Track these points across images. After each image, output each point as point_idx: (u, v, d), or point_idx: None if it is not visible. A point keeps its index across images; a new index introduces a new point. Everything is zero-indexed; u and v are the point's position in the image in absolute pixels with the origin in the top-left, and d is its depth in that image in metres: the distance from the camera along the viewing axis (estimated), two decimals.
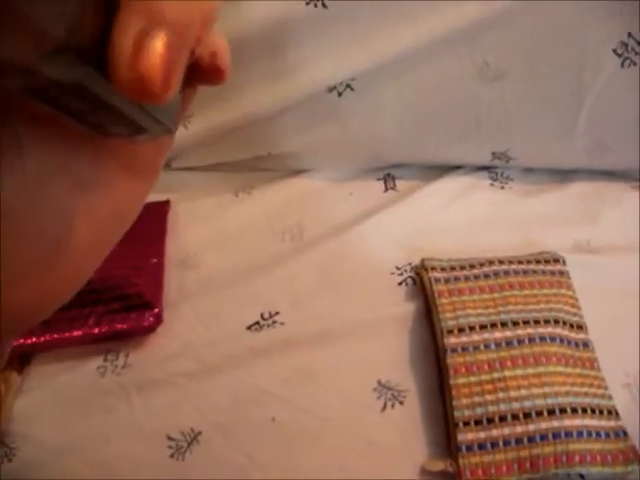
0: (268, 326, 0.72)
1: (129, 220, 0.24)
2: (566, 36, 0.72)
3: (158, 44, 0.16)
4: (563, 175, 0.87)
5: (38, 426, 0.65)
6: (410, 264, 0.77)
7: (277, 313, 0.73)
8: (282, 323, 0.72)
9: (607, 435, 0.62)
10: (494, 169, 0.87)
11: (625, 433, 0.63)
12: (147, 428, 0.65)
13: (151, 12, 0.16)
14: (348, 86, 0.77)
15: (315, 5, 0.72)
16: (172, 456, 0.63)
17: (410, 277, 0.76)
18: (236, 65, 0.82)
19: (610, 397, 0.65)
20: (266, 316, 0.73)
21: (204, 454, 0.63)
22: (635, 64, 0.72)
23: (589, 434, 0.61)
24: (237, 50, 0.74)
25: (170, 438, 0.64)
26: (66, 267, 0.22)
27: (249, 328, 0.72)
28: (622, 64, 0.73)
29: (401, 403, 0.67)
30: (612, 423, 0.63)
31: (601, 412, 0.63)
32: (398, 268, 0.76)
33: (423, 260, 0.74)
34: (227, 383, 0.68)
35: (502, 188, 0.85)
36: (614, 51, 0.72)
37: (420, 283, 0.74)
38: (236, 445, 0.63)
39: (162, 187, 0.81)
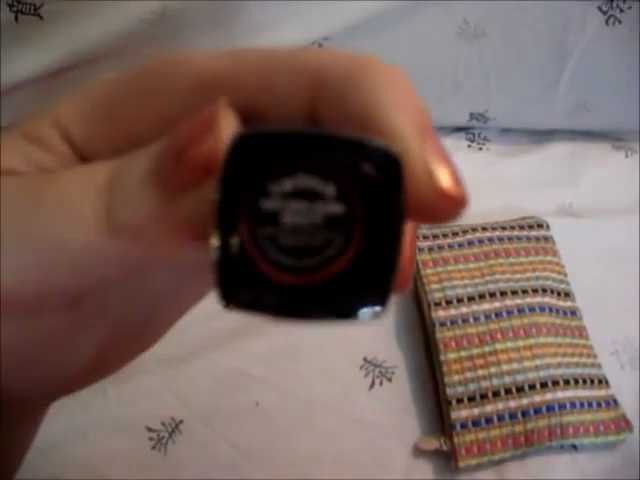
0: None
1: None
2: None
3: None
4: (541, 135, 0.85)
5: None
6: None
7: None
8: None
9: (599, 405, 0.62)
10: (471, 130, 0.84)
11: (616, 402, 0.62)
12: (125, 420, 0.61)
13: None
14: (320, 46, 0.73)
15: None
16: (154, 448, 0.59)
17: None
18: (194, 27, 0.75)
19: (600, 366, 0.64)
20: None
21: (187, 444, 0.60)
22: (620, 22, 0.70)
23: (581, 405, 0.61)
24: (195, 10, 0.68)
25: (150, 429, 0.60)
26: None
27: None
28: (606, 22, 0.70)
29: (389, 380, 0.64)
30: (603, 392, 0.63)
31: (592, 382, 0.63)
32: None
33: None
34: (205, 367, 0.64)
35: (480, 149, 0.83)
36: (599, 8, 0.69)
37: None
38: (221, 433, 0.60)
39: None
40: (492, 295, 0.65)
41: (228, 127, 0.15)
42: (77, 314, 0.20)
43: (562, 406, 0.60)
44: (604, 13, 0.70)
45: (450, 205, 0.15)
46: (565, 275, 0.69)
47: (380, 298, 0.15)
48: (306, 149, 0.14)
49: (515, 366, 0.61)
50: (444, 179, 0.15)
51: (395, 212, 0.15)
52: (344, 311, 0.15)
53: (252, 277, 0.15)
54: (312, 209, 0.14)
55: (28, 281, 0.17)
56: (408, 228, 0.16)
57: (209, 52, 0.17)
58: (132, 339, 0.24)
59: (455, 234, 0.70)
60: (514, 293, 0.65)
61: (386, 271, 0.15)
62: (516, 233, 0.71)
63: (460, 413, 0.59)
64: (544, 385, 0.60)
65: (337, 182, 0.14)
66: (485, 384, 0.60)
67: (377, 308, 0.15)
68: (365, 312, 0.15)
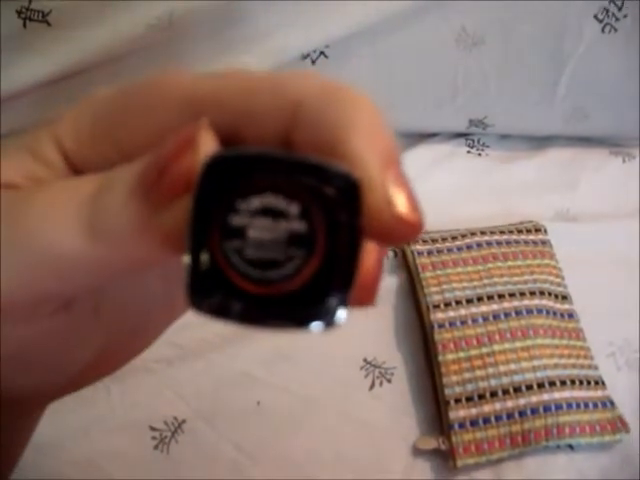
0: None
1: None
2: (547, 1, 0.70)
3: None
4: (540, 141, 0.86)
5: None
6: None
7: None
8: None
9: (595, 405, 0.62)
10: (470, 136, 0.85)
11: (612, 403, 0.63)
12: (128, 419, 0.61)
13: None
14: (322, 53, 0.74)
15: None
16: (156, 447, 0.60)
17: (391, 249, 0.74)
18: (199, 34, 0.76)
19: (596, 367, 0.65)
20: None
21: (190, 444, 0.60)
22: (616, 30, 0.71)
23: (578, 405, 0.62)
24: (200, 16, 0.69)
25: (153, 428, 0.61)
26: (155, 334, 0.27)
27: None
28: (602, 30, 0.71)
29: (389, 381, 0.65)
30: (599, 393, 0.64)
31: (588, 383, 0.64)
32: None
33: None
34: (206, 367, 0.65)
35: (479, 155, 0.84)
36: (595, 17, 0.70)
37: (402, 256, 0.72)
38: (223, 434, 0.61)
39: None
40: (490, 298, 0.66)
41: (206, 146, 0.16)
42: (71, 318, 0.20)
43: (559, 406, 0.60)
44: (600, 21, 0.71)
45: (406, 230, 0.16)
46: (562, 278, 0.70)
47: (335, 312, 0.16)
48: (274, 171, 0.16)
49: (512, 367, 0.62)
50: (401, 205, 0.16)
51: (353, 232, 0.16)
52: (300, 322, 0.16)
53: (221, 285, 0.16)
54: (276, 226, 0.16)
55: (21, 286, 0.17)
56: (373, 249, 0.18)
57: (199, 72, 0.18)
58: (128, 341, 0.25)
59: (454, 238, 0.71)
60: (512, 296, 0.66)
61: (343, 288, 0.16)
62: (514, 237, 0.72)
63: (458, 413, 0.60)
64: (541, 386, 0.61)
65: (301, 202, 0.16)
66: (483, 384, 0.61)
67: (331, 320, 0.16)
68: (318, 324, 0.16)
